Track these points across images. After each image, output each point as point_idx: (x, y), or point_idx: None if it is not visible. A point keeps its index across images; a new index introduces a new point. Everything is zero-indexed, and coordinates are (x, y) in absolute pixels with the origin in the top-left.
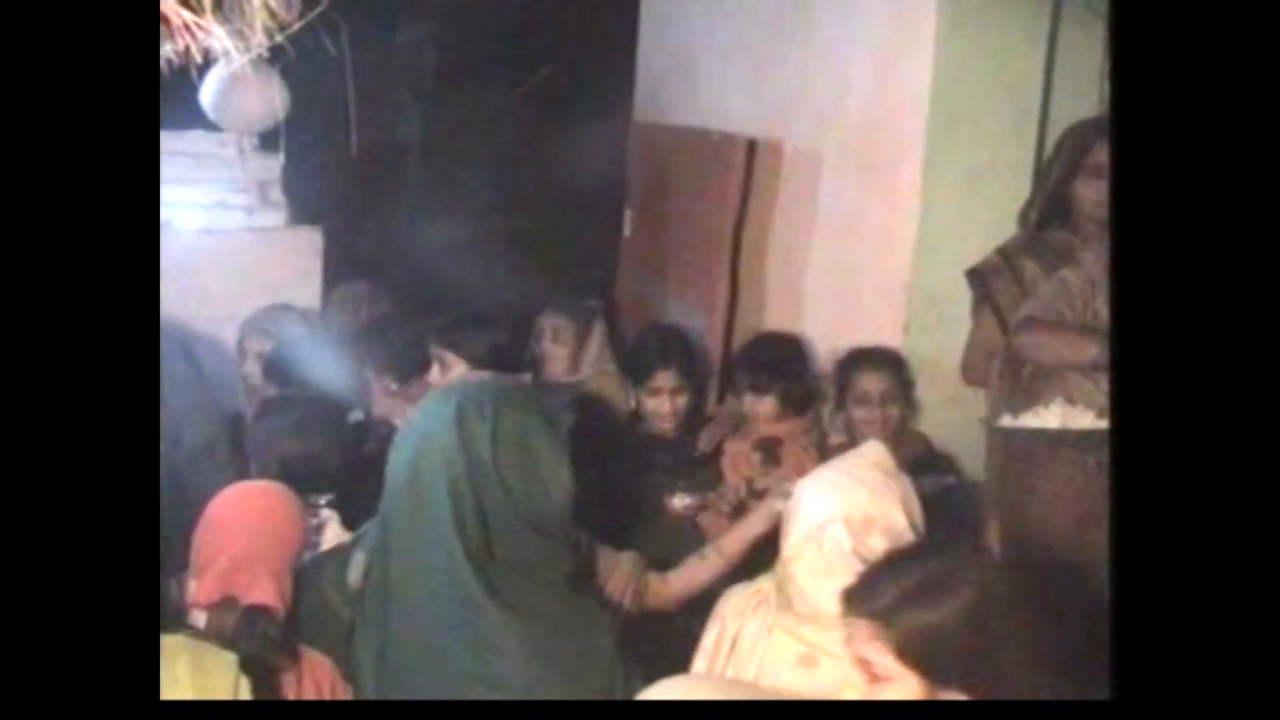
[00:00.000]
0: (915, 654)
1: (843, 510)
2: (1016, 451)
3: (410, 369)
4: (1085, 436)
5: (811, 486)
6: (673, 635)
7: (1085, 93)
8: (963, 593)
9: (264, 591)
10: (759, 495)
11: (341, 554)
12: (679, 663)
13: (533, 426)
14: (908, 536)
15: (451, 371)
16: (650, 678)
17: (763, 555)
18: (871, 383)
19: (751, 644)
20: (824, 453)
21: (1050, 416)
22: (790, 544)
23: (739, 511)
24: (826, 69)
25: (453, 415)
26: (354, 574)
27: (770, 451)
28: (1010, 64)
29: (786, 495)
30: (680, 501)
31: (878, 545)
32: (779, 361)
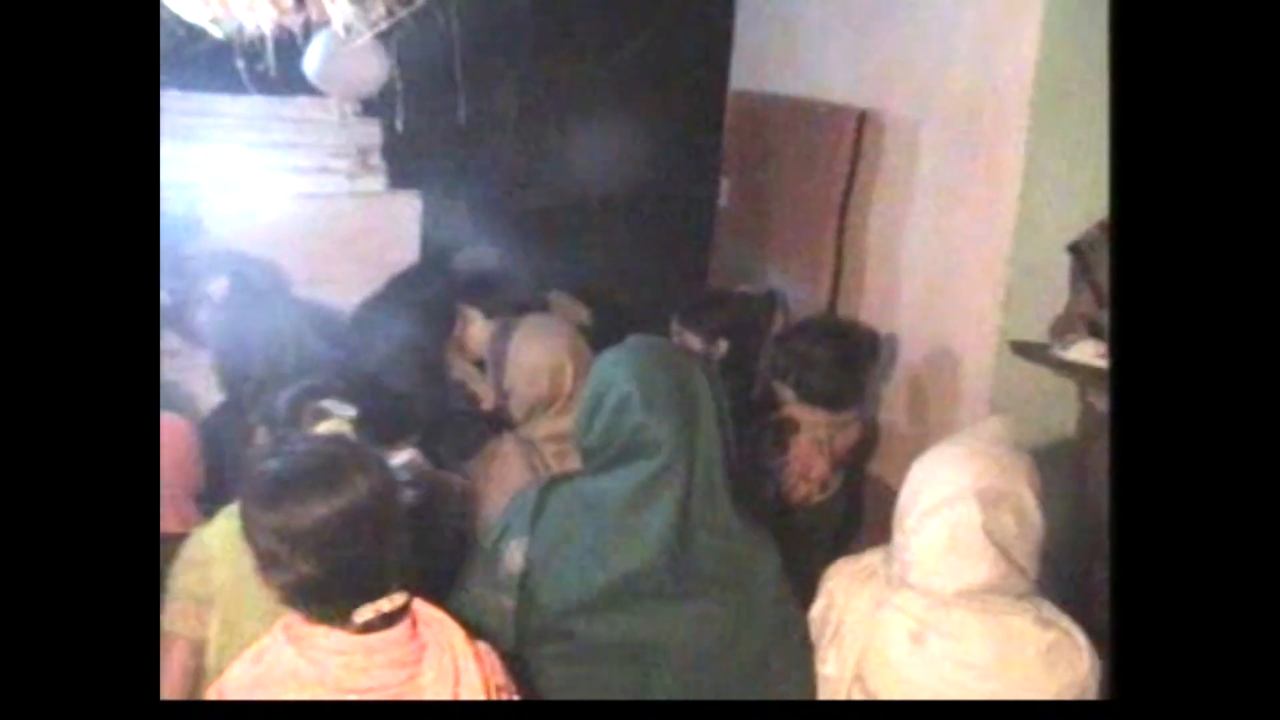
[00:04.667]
0: None
1: (973, 485)
2: None
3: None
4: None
5: (937, 460)
6: None
7: None
8: None
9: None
10: (762, 474)
11: (485, 552)
12: None
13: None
14: (1035, 515)
15: (471, 326)
16: None
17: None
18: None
19: (859, 619)
20: (834, 455)
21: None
22: (912, 518)
23: None
24: (930, 38)
25: (632, 370)
26: (514, 561)
27: (780, 436)
28: None
29: None
30: None
31: (1007, 522)
32: (803, 353)
